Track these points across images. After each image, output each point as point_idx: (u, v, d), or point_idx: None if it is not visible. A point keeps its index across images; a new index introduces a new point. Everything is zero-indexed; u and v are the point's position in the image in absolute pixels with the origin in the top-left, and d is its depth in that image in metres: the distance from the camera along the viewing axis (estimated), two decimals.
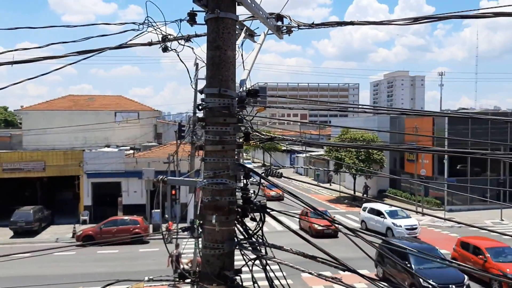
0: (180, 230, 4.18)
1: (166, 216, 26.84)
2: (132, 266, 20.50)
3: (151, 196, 27.90)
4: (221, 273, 3.76)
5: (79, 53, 4.76)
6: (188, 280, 3.85)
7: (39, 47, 4.94)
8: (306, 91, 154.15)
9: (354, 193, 39.03)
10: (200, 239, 3.84)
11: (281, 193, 33.49)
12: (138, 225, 24.77)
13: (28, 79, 4.83)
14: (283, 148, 59.09)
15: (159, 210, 26.72)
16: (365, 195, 38.04)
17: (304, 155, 53.90)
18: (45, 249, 6.26)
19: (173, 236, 21.43)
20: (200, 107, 3.82)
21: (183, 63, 4.33)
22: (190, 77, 4.51)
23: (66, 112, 38.03)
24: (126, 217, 25.74)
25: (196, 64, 20.79)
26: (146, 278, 3.92)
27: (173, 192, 26.44)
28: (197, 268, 14.62)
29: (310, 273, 3.69)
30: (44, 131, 32.48)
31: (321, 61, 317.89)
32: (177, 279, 3.88)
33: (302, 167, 52.13)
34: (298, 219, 25.56)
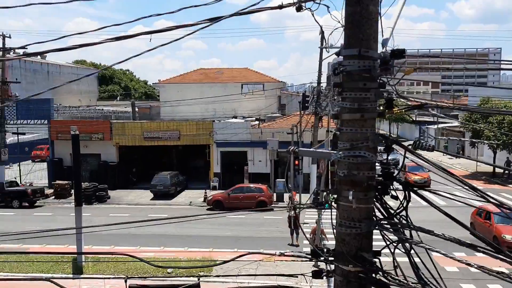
0: (311, 204, 3.93)
1: (289, 185, 27.17)
2: (257, 232, 21.22)
3: (275, 166, 28.41)
4: (358, 254, 3.44)
5: (210, 20, 4.69)
6: (322, 258, 3.60)
7: (172, 28, 4.99)
8: (439, 58, 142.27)
9: (494, 169, 35.26)
10: (321, 211, 3.54)
11: (427, 178, 25.74)
12: (263, 193, 25.49)
13: (161, 45, 4.91)
14: (412, 118, 55.58)
15: (283, 180, 27.17)
16: (506, 172, 34.15)
17: (436, 126, 50.08)
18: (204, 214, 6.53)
19: (297, 205, 21.60)
20: (336, 71, 3.45)
21: (317, 23, 3.97)
22: (325, 39, 4.13)
23: (197, 85, 40.30)
24: (251, 185, 26.66)
25: (322, 32, 20.16)
26: (278, 253, 3.77)
27: (297, 162, 26.55)
28: (322, 242, 14.41)
29: (481, 268, 3.09)
30: (178, 103, 34.87)
31: (456, 24, 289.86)
32: (310, 256, 3.66)
33: (439, 139, 48.25)
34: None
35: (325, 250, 3.64)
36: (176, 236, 20.19)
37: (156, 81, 48.01)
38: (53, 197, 28.71)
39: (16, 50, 27.05)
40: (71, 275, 15.39)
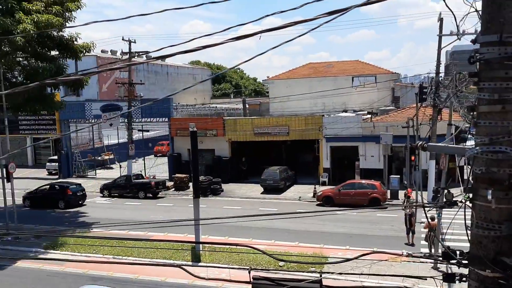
0: (444, 203, 3.66)
1: (405, 182, 25.92)
2: (369, 229, 20.61)
3: (388, 161, 27.29)
4: (497, 258, 3.13)
5: (329, 13, 4.60)
6: (454, 261, 3.35)
7: (291, 24, 5.00)
8: None
9: None
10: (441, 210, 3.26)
11: None
12: (376, 190, 24.65)
13: (271, 48, 4.95)
14: None
15: (397, 176, 26.02)
16: None
17: None
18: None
19: (413, 203, 20.53)
20: (471, 60, 3.16)
21: (447, 6, 3.68)
22: (456, 23, 3.83)
23: (306, 80, 40.31)
24: (363, 181, 25.94)
25: (441, 19, 18.81)
26: (405, 253, 3.59)
27: (413, 158, 25.19)
28: (437, 242, 13.39)
29: None
30: (287, 98, 35.20)
31: None
32: (440, 258, 3.42)
33: None
34: None
35: (458, 252, 3.38)
36: (285, 231, 20.45)
37: (265, 77, 49.02)
38: (173, 189, 30.86)
39: (141, 54, 29.53)
40: (199, 263, 16.36)
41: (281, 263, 16.02)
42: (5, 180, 21.38)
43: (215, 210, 24.34)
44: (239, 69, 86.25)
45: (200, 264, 16.35)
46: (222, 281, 13.38)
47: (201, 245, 17.33)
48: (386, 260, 14.07)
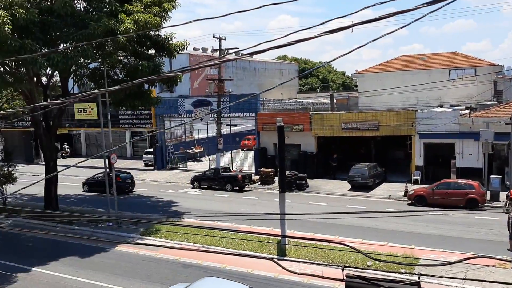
0: None
1: (507, 183, 23.86)
2: (465, 232, 19.28)
3: (489, 160, 25.26)
4: None
5: (430, 3, 4.29)
6: None
7: (377, 19, 4.75)
8: None
9: None
10: None
11: None
12: (474, 190, 22.93)
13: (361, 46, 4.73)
14: None
15: (499, 176, 24.01)
16: None
17: None
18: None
19: None
20: None
21: None
22: None
23: (398, 73, 38.63)
24: (460, 181, 24.27)
25: None
26: None
27: None
28: None
29: None
30: (378, 93, 34.00)
31: None
32: None
33: None
34: None
35: None
36: (373, 229, 19.82)
37: (353, 71, 47.80)
38: (259, 183, 31.32)
39: (232, 51, 30.26)
40: (288, 258, 16.45)
41: (369, 262, 15.56)
42: (108, 169, 23.17)
43: (300, 206, 24.29)
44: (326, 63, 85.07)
45: (286, 258, 16.39)
46: (313, 277, 13.26)
47: (286, 239, 17.41)
48: (493, 266, 13.06)
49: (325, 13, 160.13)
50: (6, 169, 25.91)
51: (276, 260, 4.77)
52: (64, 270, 16.64)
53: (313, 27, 4.92)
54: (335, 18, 4.81)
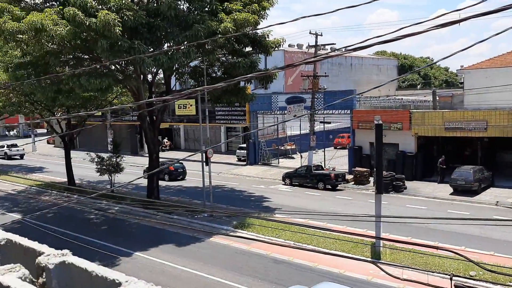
0: None
1: None
2: None
3: None
4: None
5: None
6: None
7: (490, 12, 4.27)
8: None
9: None
10: None
11: None
12: None
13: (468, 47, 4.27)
14: None
15: None
16: None
17: None
18: None
19: None
20: None
21: None
22: None
23: (510, 69, 35.22)
24: None
25: None
26: None
27: None
28: None
29: None
30: (486, 90, 31.31)
31: None
32: None
33: None
34: None
35: None
36: (477, 237, 18.34)
37: (458, 67, 44.61)
38: (353, 182, 30.53)
39: (327, 47, 29.75)
40: (390, 262, 15.89)
41: (472, 272, 14.46)
42: (204, 163, 24.13)
43: (396, 208, 23.23)
44: (428, 58, 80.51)
45: (388, 262, 15.77)
46: (415, 284, 12.62)
47: (381, 242, 16.77)
48: None
49: (427, 5, 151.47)
50: (114, 159, 28.14)
51: (379, 264, 4.53)
52: (163, 256, 17.65)
53: (423, 21, 4.59)
54: (444, 14, 4.43)
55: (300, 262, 16.53)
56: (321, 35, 30.70)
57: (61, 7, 18.55)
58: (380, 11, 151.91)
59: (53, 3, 21.43)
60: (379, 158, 16.51)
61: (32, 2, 22.23)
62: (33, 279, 0.85)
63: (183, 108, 41.78)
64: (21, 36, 18.11)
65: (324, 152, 36.17)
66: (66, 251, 0.89)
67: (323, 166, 32.91)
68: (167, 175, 33.05)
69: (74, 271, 0.84)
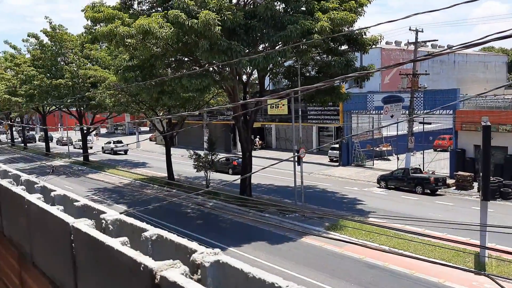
0: None
1: None
2: None
3: None
4: None
5: None
6: None
7: None
8: None
9: None
10: None
11: None
12: None
13: None
14: None
15: None
16: None
17: None
18: None
19: None
20: None
21: None
22: None
23: None
24: None
25: None
26: None
27: None
28: None
29: None
30: None
31: None
32: None
33: None
34: None
35: None
36: None
37: None
38: (454, 187, 28.61)
39: (428, 44, 28.19)
40: (498, 275, 14.78)
41: None
42: (296, 163, 24.16)
43: (503, 217, 21.33)
44: None
45: (488, 273, 14.59)
46: None
47: (486, 252, 15.53)
48: None
49: None
50: (210, 157, 29.29)
51: (491, 277, 4.18)
52: (255, 253, 17.98)
53: None
54: None
55: (395, 268, 15.88)
56: (422, 31, 29.18)
57: (165, 12, 19.71)
58: (487, 4, 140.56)
59: (158, 8, 22.83)
60: (486, 162, 15.28)
61: (140, 9, 23.90)
62: (191, 276, 0.88)
63: (275, 107, 42.23)
64: (130, 40, 19.54)
65: (423, 154, 34.32)
66: (217, 250, 0.91)
67: (422, 169, 31.27)
68: (231, 169, 34.89)
69: (228, 271, 0.85)
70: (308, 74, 25.61)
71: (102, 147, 52.80)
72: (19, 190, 1.69)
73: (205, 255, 0.91)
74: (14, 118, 67.14)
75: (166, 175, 33.55)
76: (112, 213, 1.30)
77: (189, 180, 34.03)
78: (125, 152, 52.89)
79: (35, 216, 1.50)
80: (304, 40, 18.21)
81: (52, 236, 1.36)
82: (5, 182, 1.87)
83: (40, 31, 40.59)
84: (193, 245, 0.98)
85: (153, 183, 33.34)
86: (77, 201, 1.48)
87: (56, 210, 1.36)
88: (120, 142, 54.00)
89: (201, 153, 30.52)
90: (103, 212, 1.33)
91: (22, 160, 48.81)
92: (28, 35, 43.11)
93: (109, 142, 54.34)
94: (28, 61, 44.16)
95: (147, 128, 78.53)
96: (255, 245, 19.09)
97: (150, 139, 60.79)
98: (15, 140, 70.96)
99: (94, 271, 1.14)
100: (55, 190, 1.67)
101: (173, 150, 36.59)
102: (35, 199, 1.53)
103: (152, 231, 1.10)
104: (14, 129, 70.74)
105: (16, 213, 1.69)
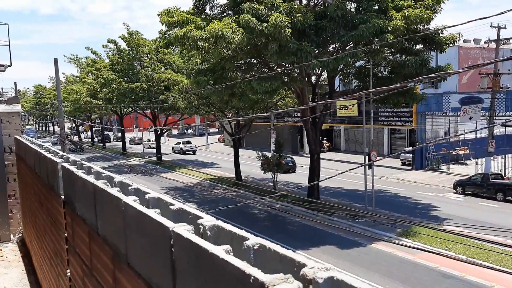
0: None
1: None
2: None
3: None
4: None
5: None
6: None
7: None
8: None
9: None
10: None
11: None
12: None
13: None
14: None
15: None
16: None
17: None
18: None
19: None
20: None
21: None
22: None
23: None
24: None
25: None
26: None
27: None
28: None
29: None
30: None
31: None
32: None
33: None
34: None
35: None
36: None
37: None
38: None
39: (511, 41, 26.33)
40: None
41: None
42: (367, 166, 23.53)
43: None
44: None
45: None
46: None
47: None
48: None
49: None
50: (277, 158, 29.34)
51: None
52: (323, 257, 17.71)
53: None
54: None
55: (473, 280, 14.95)
56: (505, 27, 27.29)
57: (236, 16, 20.03)
58: None
59: (229, 12, 23.26)
60: None
61: (211, 13, 24.49)
62: None
63: (345, 108, 41.44)
64: (202, 43, 20.07)
65: (505, 159, 32.07)
66: (329, 265, 0.85)
67: (503, 175, 29.22)
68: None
69: None
70: (380, 75, 24.85)
71: (172, 147, 54.81)
72: (115, 191, 1.74)
73: (316, 270, 0.86)
74: (94, 119, 71.67)
75: (234, 175, 34.08)
76: (209, 218, 1.29)
77: (256, 181, 34.31)
78: (193, 152, 54.52)
79: (132, 218, 1.53)
80: (377, 40, 17.70)
81: (150, 239, 1.38)
82: (100, 184, 1.94)
83: (119, 37, 42.99)
84: (300, 257, 0.94)
85: (221, 183, 34.00)
86: (172, 204, 1.50)
87: (154, 214, 1.38)
88: (189, 142, 55.87)
89: (268, 154, 30.66)
90: (200, 217, 1.32)
91: (101, 159, 51.88)
92: (108, 41, 45.79)
93: (179, 143, 56.34)
94: (107, 65, 46.92)
95: (216, 130, 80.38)
96: (323, 249, 18.83)
97: (219, 140, 62.19)
98: (93, 140, 75.93)
99: (194, 277, 1.13)
100: (149, 193, 1.70)
101: (240, 151, 37.11)
102: (132, 201, 1.56)
103: (253, 240, 1.07)
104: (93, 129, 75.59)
105: (112, 214, 1.74)
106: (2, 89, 22.05)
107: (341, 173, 11.82)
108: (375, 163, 25.30)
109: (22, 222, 5.92)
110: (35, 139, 6.13)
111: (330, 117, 43.84)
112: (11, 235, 5.69)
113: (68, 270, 2.75)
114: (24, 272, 4.68)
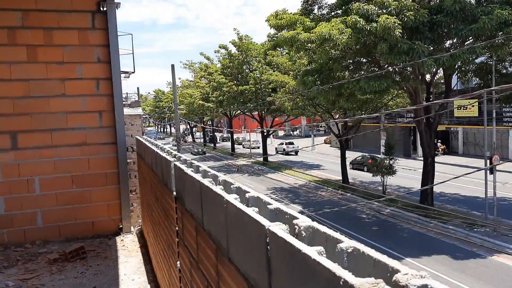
0: None
1: None
2: None
3: None
4: None
5: None
6: None
7: None
8: None
9: None
10: None
11: None
12: None
13: None
14: None
15: None
16: None
17: None
18: None
19: None
20: None
21: None
22: None
23: None
24: None
25: None
26: None
27: None
28: None
29: None
30: None
31: None
32: None
33: None
34: None
35: None
36: None
37: None
38: None
39: None
40: None
41: None
42: (489, 171, 21.57)
43: None
44: None
45: None
46: None
47: None
48: None
49: None
50: (387, 161, 28.18)
51: None
52: (435, 267, 16.65)
53: None
54: None
55: None
56: None
57: (344, 17, 19.70)
58: None
59: (338, 11, 22.95)
60: None
61: (319, 13, 24.40)
62: None
63: (463, 108, 38.43)
64: (309, 45, 20.09)
65: None
66: (424, 273, 0.81)
67: None
68: (365, 167, 34.18)
69: None
70: (504, 71, 22.63)
71: (276, 148, 55.68)
72: (218, 189, 1.83)
73: (409, 276, 0.82)
74: (205, 121, 75.73)
75: (340, 178, 33.54)
76: (304, 219, 1.30)
77: (364, 184, 33.37)
78: (296, 153, 54.82)
79: (232, 215, 1.60)
80: (500, 34, 16.14)
81: (248, 236, 1.43)
82: (206, 182, 2.05)
83: (229, 42, 44.87)
84: (394, 263, 0.90)
85: (327, 186, 33.66)
86: (270, 204, 1.53)
87: (252, 212, 1.43)
88: (292, 143, 56.40)
89: (378, 157, 29.62)
90: (295, 218, 1.34)
91: (212, 158, 54.59)
92: (219, 47, 48.02)
93: (282, 144, 57.10)
94: (218, 70, 49.23)
95: (322, 131, 79.85)
96: (436, 258, 17.69)
97: (325, 142, 61.69)
98: (200, 140, 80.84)
99: (288, 276, 1.15)
100: (249, 192, 1.76)
101: (348, 153, 36.37)
102: (233, 199, 1.63)
103: (347, 243, 1.05)
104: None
105: (216, 210, 1.83)
106: (127, 93, 24.29)
107: (456, 177, 11.00)
108: (498, 168, 23.07)
109: (141, 215, 6.49)
110: (154, 139, 6.68)
111: (446, 118, 41.03)
112: (132, 227, 6.26)
113: (178, 262, 2.95)
114: (141, 261, 5.11)
